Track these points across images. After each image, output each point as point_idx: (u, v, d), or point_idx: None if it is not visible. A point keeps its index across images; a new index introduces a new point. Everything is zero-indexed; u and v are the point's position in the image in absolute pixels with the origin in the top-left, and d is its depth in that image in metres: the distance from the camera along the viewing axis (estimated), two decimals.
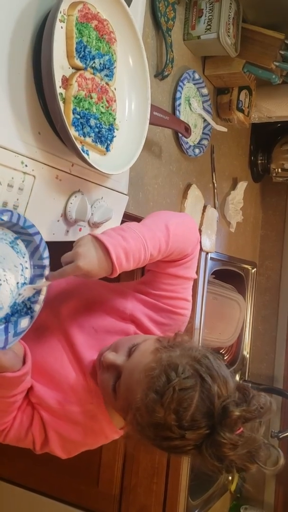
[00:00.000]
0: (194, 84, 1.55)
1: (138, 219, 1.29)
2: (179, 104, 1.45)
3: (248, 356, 2.32)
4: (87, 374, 0.95)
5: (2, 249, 0.84)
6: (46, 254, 0.90)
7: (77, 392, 0.95)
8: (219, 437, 0.74)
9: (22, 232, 0.86)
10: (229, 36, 1.45)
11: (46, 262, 0.90)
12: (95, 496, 1.76)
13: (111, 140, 1.02)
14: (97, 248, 0.86)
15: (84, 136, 0.94)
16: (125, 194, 1.17)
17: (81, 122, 0.93)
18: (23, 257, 0.88)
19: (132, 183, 1.22)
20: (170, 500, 1.67)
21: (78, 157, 0.92)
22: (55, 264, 0.93)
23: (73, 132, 0.90)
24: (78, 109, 0.92)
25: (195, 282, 1.77)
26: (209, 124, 1.62)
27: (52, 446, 0.94)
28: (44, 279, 0.89)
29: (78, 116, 0.92)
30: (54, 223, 0.97)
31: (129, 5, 1.04)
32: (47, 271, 0.90)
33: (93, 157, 0.98)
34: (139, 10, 1.14)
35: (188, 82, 1.51)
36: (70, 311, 1.01)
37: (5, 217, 0.81)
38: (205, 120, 1.61)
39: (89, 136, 0.96)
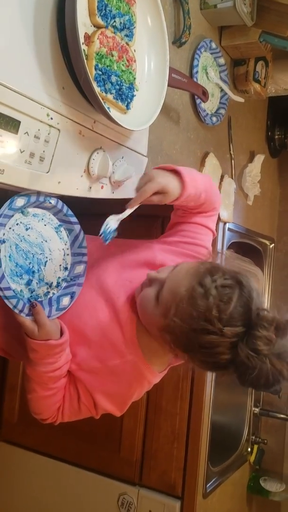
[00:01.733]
0: (211, 53, 1.57)
1: None
2: (197, 72, 1.48)
3: None
4: (124, 326, 1.00)
5: (49, 232, 0.97)
6: (85, 243, 1.02)
7: (116, 345, 1.00)
8: (255, 331, 0.81)
9: (65, 220, 0.99)
10: (245, 4, 1.47)
11: (85, 250, 1.02)
12: (117, 462, 1.81)
13: (131, 99, 1.06)
14: (168, 172, 1.02)
15: (106, 93, 0.98)
16: (145, 156, 1.20)
17: (102, 78, 0.96)
18: (65, 244, 1.01)
19: (151, 146, 1.26)
20: (190, 465, 1.70)
21: (100, 111, 0.96)
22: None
23: (95, 87, 0.93)
24: (100, 65, 0.95)
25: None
26: (226, 94, 1.65)
27: (103, 406, 1.00)
28: (124, 212, 1.01)
29: (100, 72, 0.96)
30: (78, 178, 1.01)
31: None
32: (85, 258, 1.02)
33: (114, 114, 1.01)
34: None
35: (205, 51, 1.54)
36: (104, 269, 1.06)
37: (53, 201, 0.94)
38: (222, 90, 1.64)
39: (111, 93, 0.99)
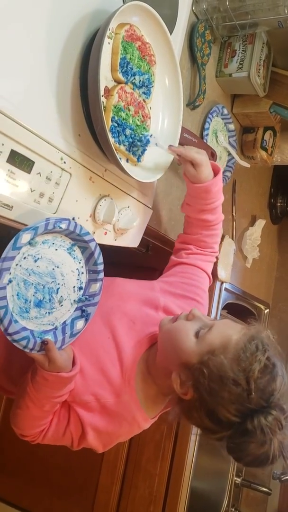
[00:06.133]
0: (222, 119, 1.64)
1: (159, 235, 1.36)
2: (207, 135, 1.53)
3: None
4: (124, 366, 1.00)
5: (61, 255, 0.93)
6: (100, 260, 0.98)
7: (112, 383, 1.00)
8: (273, 412, 0.84)
9: (78, 239, 0.94)
10: (259, 76, 1.55)
11: (101, 267, 0.98)
12: None
13: (142, 152, 1.09)
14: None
15: (119, 144, 1.01)
16: (150, 208, 1.23)
17: (117, 130, 1.00)
18: (79, 263, 0.96)
19: (157, 200, 1.29)
20: None
21: (112, 160, 0.99)
22: None
23: (110, 137, 0.97)
24: (116, 118, 0.99)
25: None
26: (233, 158, 1.70)
27: (89, 441, 1.00)
28: (163, 146, 1.10)
29: (116, 124, 0.99)
30: (83, 222, 1.02)
31: (170, 33, 1.13)
32: (101, 275, 0.98)
33: (125, 165, 1.04)
34: (178, 40, 1.24)
35: (217, 116, 1.60)
36: (110, 306, 1.07)
37: (64, 225, 0.89)
38: (229, 154, 1.69)
39: (124, 145, 1.03)
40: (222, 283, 1.77)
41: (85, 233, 0.93)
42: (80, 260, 0.96)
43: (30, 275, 0.87)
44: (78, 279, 0.96)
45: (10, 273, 0.84)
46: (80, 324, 0.97)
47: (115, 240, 1.13)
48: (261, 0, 1.37)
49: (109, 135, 0.96)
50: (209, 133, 1.55)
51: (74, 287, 0.96)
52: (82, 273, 0.97)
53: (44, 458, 1.82)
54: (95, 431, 0.99)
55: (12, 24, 0.80)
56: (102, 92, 0.95)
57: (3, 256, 0.81)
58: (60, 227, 0.88)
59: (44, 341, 0.89)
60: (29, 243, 0.85)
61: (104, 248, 1.01)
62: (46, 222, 0.85)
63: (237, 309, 2.09)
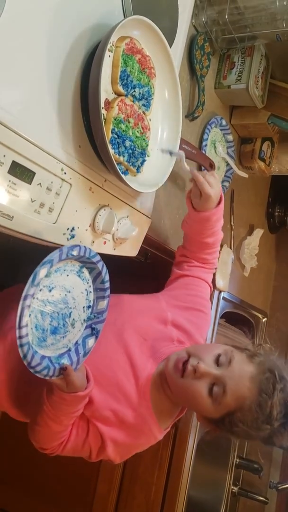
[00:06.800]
0: (221, 129, 1.66)
1: (158, 244, 1.37)
2: (205, 145, 1.55)
3: None
4: (139, 380, 1.03)
5: (71, 280, 0.94)
6: (107, 277, 1.00)
7: (130, 397, 1.03)
8: None
9: (87, 261, 0.96)
10: (257, 88, 1.57)
11: (107, 285, 1.00)
12: None
13: (142, 163, 1.11)
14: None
15: (119, 155, 1.03)
16: (149, 217, 1.24)
17: (117, 142, 1.01)
18: (87, 283, 0.98)
19: (156, 209, 1.30)
20: None
21: (112, 172, 1.00)
22: None
23: (110, 149, 0.98)
24: (116, 129, 1.00)
25: None
26: (231, 168, 1.71)
27: (108, 453, 1.03)
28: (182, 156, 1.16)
29: (116, 136, 1.01)
30: (83, 232, 1.03)
31: (170, 46, 1.15)
32: (108, 293, 1.00)
33: (124, 175, 1.05)
34: (178, 52, 1.25)
35: (216, 127, 1.62)
36: (121, 323, 1.10)
37: (75, 252, 0.91)
38: (228, 164, 1.71)
39: (123, 156, 1.04)
40: (220, 292, 1.78)
41: (93, 255, 0.95)
42: (88, 280, 0.98)
43: (46, 305, 0.88)
44: (87, 299, 0.98)
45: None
46: (91, 342, 0.98)
47: (114, 249, 1.14)
48: (260, 14, 1.40)
49: (109, 146, 0.97)
50: (207, 144, 1.57)
51: (83, 307, 0.97)
52: (90, 292, 0.98)
53: (41, 467, 1.82)
54: (114, 443, 1.01)
55: (13, 35, 0.81)
56: (102, 104, 0.96)
57: (24, 294, 0.81)
58: (72, 255, 0.90)
59: (63, 367, 0.91)
60: (45, 275, 0.86)
61: (101, 257, 1.03)
62: (60, 253, 0.87)
63: (235, 318, 2.10)
